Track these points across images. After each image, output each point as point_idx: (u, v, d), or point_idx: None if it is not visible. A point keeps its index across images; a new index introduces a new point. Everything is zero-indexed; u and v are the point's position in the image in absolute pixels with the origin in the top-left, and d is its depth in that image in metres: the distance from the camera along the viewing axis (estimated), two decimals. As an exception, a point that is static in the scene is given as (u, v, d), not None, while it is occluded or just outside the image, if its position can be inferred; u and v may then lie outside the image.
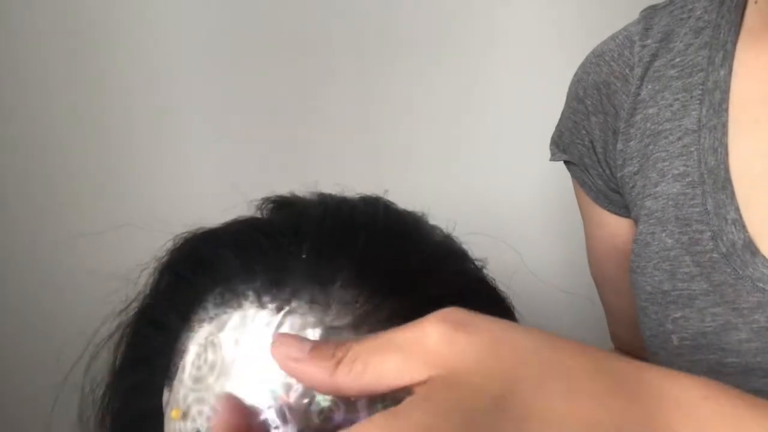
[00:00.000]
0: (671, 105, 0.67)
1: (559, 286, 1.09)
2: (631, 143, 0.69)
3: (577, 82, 0.74)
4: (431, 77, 1.17)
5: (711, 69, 0.66)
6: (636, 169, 0.68)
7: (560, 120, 0.77)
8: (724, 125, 0.64)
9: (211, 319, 0.41)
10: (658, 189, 0.66)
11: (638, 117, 0.68)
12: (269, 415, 0.37)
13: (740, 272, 0.61)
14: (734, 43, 0.66)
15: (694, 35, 0.68)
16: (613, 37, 0.73)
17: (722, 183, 0.63)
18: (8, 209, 1.15)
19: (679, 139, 0.66)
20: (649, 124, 0.68)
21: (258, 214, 0.50)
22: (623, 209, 0.73)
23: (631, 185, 0.69)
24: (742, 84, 0.65)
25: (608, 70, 0.71)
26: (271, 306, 0.40)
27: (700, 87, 0.66)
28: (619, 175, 0.70)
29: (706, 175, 0.63)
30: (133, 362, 0.46)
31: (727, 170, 0.63)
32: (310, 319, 0.40)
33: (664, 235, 0.65)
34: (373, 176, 1.13)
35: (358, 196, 0.50)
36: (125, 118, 1.15)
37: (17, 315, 1.15)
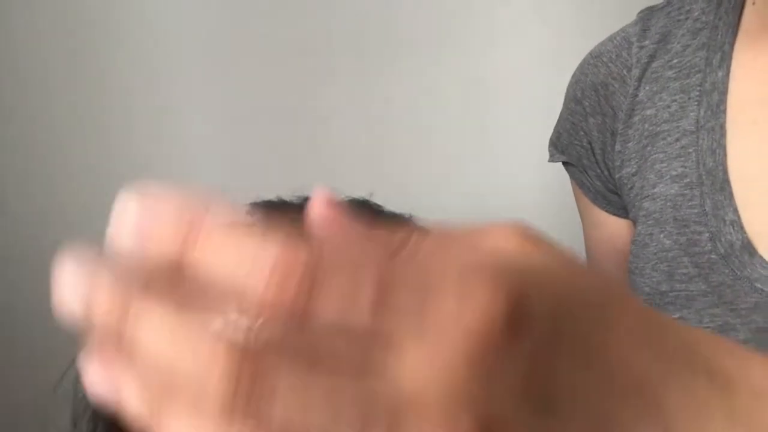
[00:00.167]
0: (669, 106, 0.67)
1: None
2: (630, 144, 0.69)
3: (575, 83, 0.74)
4: (431, 77, 1.17)
5: (709, 70, 0.66)
6: (634, 170, 0.68)
7: (558, 121, 0.77)
8: (722, 126, 0.64)
9: None
10: (656, 190, 0.66)
11: (636, 118, 0.68)
12: None
13: (738, 273, 0.61)
14: (732, 45, 0.66)
15: (692, 36, 0.68)
16: (610, 38, 0.73)
17: (720, 184, 0.63)
18: (8, 209, 1.15)
19: (677, 140, 0.66)
20: (647, 126, 0.68)
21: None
22: (622, 210, 0.73)
23: (629, 186, 0.69)
24: (740, 85, 0.65)
25: (606, 71, 0.71)
26: None
27: (698, 88, 0.66)
28: (617, 176, 0.70)
29: (704, 177, 0.63)
30: None
31: (725, 171, 0.63)
32: None
33: (662, 236, 0.65)
34: (373, 176, 1.13)
35: (346, 199, 0.49)
36: (125, 119, 1.15)
37: (12, 317, 1.15)
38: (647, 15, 0.71)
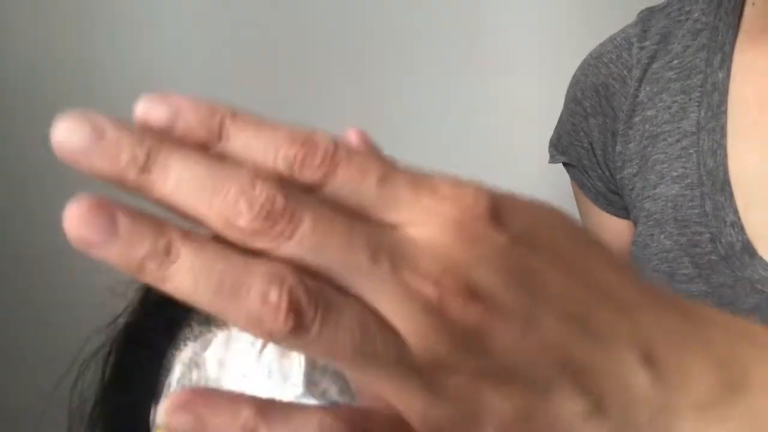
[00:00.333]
0: (670, 107, 0.67)
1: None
2: (630, 145, 0.69)
3: (576, 84, 0.74)
4: (431, 78, 1.17)
5: (709, 71, 0.66)
6: (635, 170, 0.68)
7: (559, 122, 0.77)
8: (723, 127, 0.64)
9: (196, 337, 0.42)
10: (657, 191, 0.66)
11: (637, 119, 0.68)
12: None
13: (739, 274, 0.61)
14: (732, 46, 0.66)
15: (692, 37, 0.68)
16: (611, 39, 0.73)
17: (721, 185, 0.63)
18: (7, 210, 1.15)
19: (678, 141, 0.66)
20: (647, 126, 0.68)
21: None
22: (623, 211, 0.73)
23: (630, 187, 0.69)
24: (741, 86, 0.65)
25: (607, 71, 0.71)
26: None
27: (699, 89, 0.66)
28: (618, 176, 0.70)
29: (705, 177, 0.63)
30: (121, 381, 0.46)
31: (726, 172, 0.63)
32: None
33: (662, 236, 0.65)
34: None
35: None
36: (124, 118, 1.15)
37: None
38: (647, 16, 0.71)
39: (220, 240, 0.22)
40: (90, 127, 0.23)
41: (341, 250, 0.23)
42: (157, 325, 0.44)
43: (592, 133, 0.72)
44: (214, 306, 0.22)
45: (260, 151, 0.23)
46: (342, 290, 0.23)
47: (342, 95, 1.16)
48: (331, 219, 0.23)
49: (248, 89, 1.16)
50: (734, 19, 0.66)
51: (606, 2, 1.13)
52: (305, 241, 0.22)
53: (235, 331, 0.41)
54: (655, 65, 0.69)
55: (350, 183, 0.24)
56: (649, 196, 0.67)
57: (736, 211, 0.62)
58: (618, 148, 0.70)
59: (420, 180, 0.25)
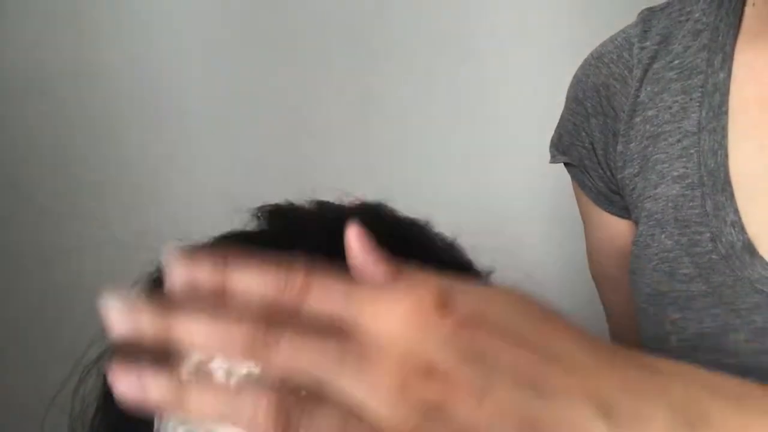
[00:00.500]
0: (670, 107, 0.67)
1: (559, 287, 1.09)
2: (631, 145, 0.69)
3: (577, 84, 0.74)
4: (431, 78, 1.17)
5: (710, 71, 0.66)
6: (636, 170, 0.68)
7: (560, 122, 0.77)
8: (724, 128, 0.64)
9: None
10: (657, 191, 0.66)
11: (638, 119, 0.68)
12: None
13: (739, 274, 0.61)
14: (733, 46, 0.66)
15: (693, 37, 0.68)
16: (612, 39, 0.73)
17: (722, 185, 0.63)
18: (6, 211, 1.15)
19: (679, 141, 0.66)
20: (648, 126, 0.68)
21: (254, 222, 0.49)
22: (624, 211, 0.73)
23: (631, 187, 0.69)
24: (741, 86, 0.65)
25: (607, 71, 0.71)
26: None
27: (700, 89, 0.66)
28: (619, 176, 0.70)
29: (705, 177, 0.64)
30: None
31: (726, 172, 0.63)
32: None
33: (663, 236, 0.65)
34: (373, 177, 1.13)
35: (358, 202, 0.49)
36: (125, 118, 1.15)
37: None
38: (648, 16, 0.71)
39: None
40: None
41: (315, 362, 0.29)
42: None
43: (593, 133, 0.72)
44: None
45: (255, 287, 0.31)
46: (323, 397, 0.29)
47: (342, 95, 1.16)
48: (303, 339, 0.30)
49: (248, 89, 1.17)
50: (735, 20, 0.67)
51: (606, 2, 1.13)
52: (287, 359, 0.30)
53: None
54: (655, 65, 0.69)
55: (325, 302, 0.31)
56: (650, 196, 0.67)
57: (736, 211, 0.62)
58: (619, 148, 0.70)
59: (378, 288, 0.31)
